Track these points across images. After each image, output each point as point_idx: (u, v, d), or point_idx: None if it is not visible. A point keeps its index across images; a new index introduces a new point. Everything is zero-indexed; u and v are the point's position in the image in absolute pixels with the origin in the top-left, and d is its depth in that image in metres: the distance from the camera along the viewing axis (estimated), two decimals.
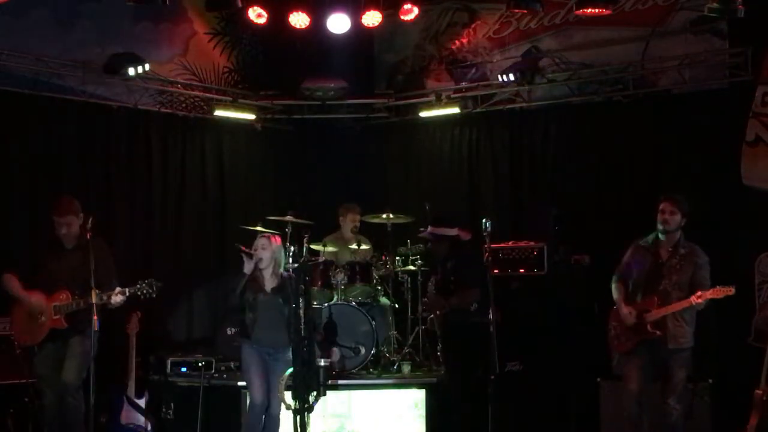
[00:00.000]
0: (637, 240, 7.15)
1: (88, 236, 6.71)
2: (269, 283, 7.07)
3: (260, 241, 7.07)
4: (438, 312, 8.04)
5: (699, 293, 6.62)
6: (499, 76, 9.49)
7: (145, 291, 6.89)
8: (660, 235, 6.97)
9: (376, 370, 8.61)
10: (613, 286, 7.13)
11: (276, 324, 6.96)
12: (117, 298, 6.81)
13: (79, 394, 6.90)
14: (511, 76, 9.33)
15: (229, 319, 8.58)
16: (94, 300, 6.47)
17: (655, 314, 6.78)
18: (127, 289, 6.85)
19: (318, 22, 9.24)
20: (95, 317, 6.42)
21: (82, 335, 6.80)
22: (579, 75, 9.61)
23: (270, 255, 7.05)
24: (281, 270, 7.13)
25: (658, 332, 6.76)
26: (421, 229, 8.18)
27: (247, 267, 7.02)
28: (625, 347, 6.99)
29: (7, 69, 8.58)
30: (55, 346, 6.89)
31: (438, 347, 8.55)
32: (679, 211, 6.91)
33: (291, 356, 6.85)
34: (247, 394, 7.33)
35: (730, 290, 6.60)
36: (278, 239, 7.23)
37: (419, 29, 10.56)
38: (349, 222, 9.45)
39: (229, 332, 8.63)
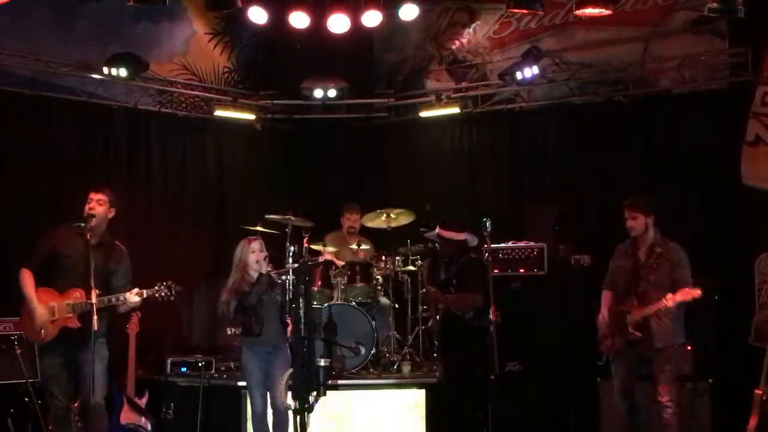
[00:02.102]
0: (618, 245, 7.16)
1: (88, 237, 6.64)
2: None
3: (255, 245, 7.07)
4: (435, 305, 7.99)
5: (669, 296, 6.58)
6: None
7: (163, 293, 6.65)
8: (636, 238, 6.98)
9: (376, 370, 8.60)
10: (602, 293, 7.16)
11: (274, 321, 7.06)
12: (133, 299, 6.58)
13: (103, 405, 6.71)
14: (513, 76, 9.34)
15: (228, 320, 8.51)
16: (94, 300, 6.41)
17: (634, 316, 6.79)
18: (144, 291, 6.62)
19: (318, 22, 9.23)
20: (95, 317, 6.35)
21: (98, 343, 6.43)
22: (579, 75, 9.61)
23: (265, 255, 7.09)
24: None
25: (638, 333, 6.76)
26: (423, 229, 8.12)
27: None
28: (613, 348, 7.00)
29: (7, 69, 8.59)
30: (67, 348, 6.52)
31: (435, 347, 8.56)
32: (641, 214, 6.89)
33: (290, 352, 6.93)
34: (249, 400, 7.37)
35: (696, 293, 6.55)
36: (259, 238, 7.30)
37: (419, 29, 10.56)
38: (345, 221, 9.47)
39: (229, 332, 8.60)
